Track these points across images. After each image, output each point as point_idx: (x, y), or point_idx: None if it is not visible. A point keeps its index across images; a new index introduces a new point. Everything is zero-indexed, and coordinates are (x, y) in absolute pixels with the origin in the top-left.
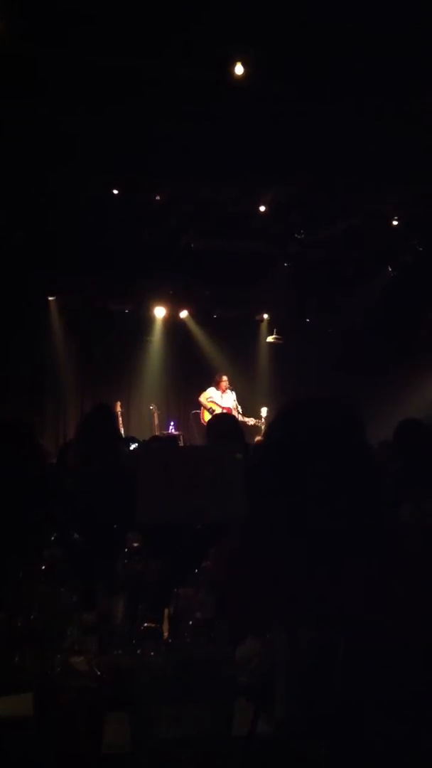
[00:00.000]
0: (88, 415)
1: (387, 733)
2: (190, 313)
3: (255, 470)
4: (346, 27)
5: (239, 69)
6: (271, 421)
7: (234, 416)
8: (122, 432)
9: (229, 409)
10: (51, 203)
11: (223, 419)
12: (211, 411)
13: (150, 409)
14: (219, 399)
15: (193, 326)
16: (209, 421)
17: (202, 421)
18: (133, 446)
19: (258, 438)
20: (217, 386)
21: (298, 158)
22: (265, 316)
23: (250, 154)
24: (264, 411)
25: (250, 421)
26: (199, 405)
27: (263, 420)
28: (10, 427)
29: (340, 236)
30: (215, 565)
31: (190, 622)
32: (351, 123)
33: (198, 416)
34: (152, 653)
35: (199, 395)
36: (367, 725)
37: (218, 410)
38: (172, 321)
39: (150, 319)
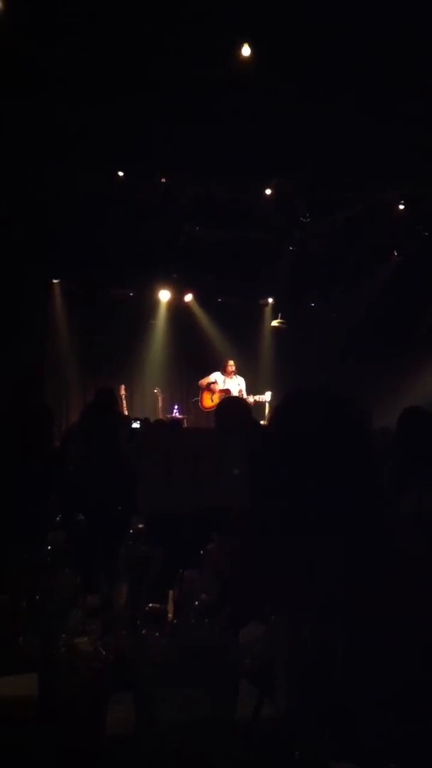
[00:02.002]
0: (91, 401)
1: (387, 722)
2: (195, 297)
3: (258, 460)
4: (348, 19)
5: (246, 50)
6: (273, 411)
7: (242, 401)
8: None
9: (228, 391)
10: (55, 189)
11: (231, 404)
12: (207, 387)
13: (154, 392)
14: (222, 383)
15: (197, 310)
16: (218, 405)
17: (202, 407)
18: (135, 424)
19: (262, 422)
20: (224, 371)
21: (301, 147)
22: (270, 300)
23: (253, 144)
24: (268, 395)
25: (250, 398)
26: (198, 390)
27: (266, 401)
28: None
29: (343, 223)
30: (219, 553)
31: (196, 603)
32: (354, 112)
33: (197, 403)
34: (156, 635)
35: (201, 380)
36: (367, 714)
37: (214, 388)
38: (176, 305)
39: (154, 303)
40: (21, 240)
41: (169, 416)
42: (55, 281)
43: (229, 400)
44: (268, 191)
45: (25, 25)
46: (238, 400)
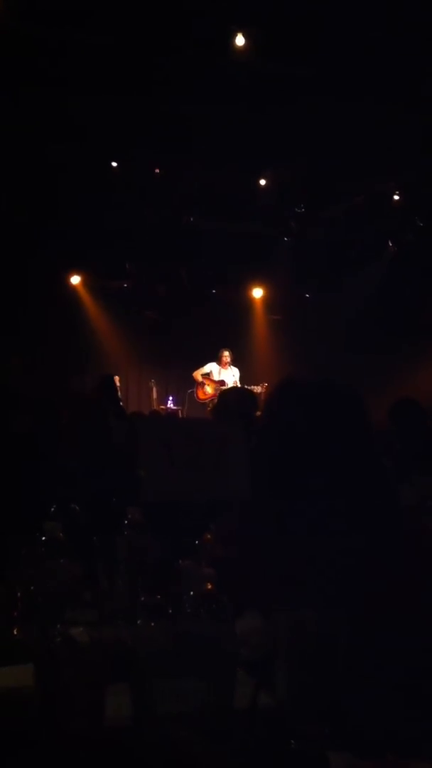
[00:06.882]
0: (86, 390)
1: (386, 712)
2: (190, 288)
3: (257, 449)
4: (348, 7)
5: (240, 40)
6: (268, 400)
7: (248, 392)
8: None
9: (223, 382)
10: (53, 182)
11: (233, 394)
12: (201, 384)
13: (149, 384)
14: (217, 374)
15: (192, 301)
16: (220, 395)
17: (197, 399)
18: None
19: (259, 413)
20: (219, 361)
21: (299, 137)
22: (265, 292)
23: (251, 133)
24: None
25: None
26: (194, 382)
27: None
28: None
29: (341, 214)
30: (216, 541)
31: (192, 594)
32: (353, 102)
33: (193, 395)
34: (153, 626)
35: (196, 371)
36: (365, 704)
37: (208, 383)
38: (171, 295)
39: (150, 294)
40: (19, 232)
41: (163, 407)
42: (51, 272)
43: (232, 391)
44: (264, 182)
45: (26, 6)
46: (243, 391)
